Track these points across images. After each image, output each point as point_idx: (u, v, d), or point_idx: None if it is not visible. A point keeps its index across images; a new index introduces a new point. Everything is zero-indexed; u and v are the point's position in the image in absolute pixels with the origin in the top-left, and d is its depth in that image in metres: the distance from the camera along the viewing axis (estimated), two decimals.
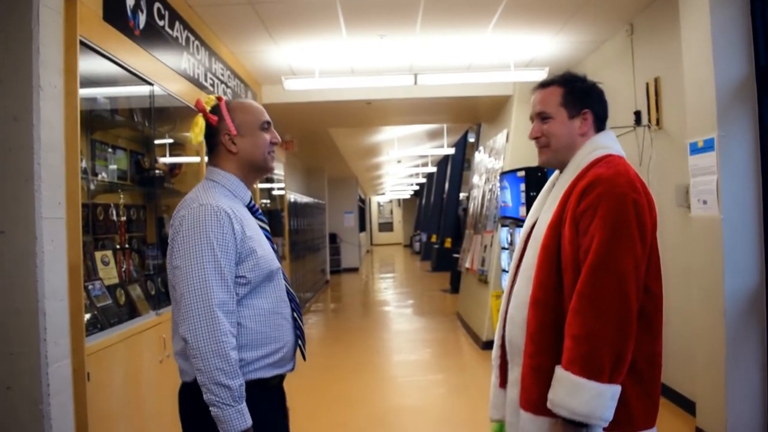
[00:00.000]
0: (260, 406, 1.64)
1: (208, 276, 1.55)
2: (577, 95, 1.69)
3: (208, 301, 1.54)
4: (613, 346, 1.45)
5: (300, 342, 1.80)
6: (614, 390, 1.46)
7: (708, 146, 3.36)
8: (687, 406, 3.97)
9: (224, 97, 1.79)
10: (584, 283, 1.49)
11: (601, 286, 1.47)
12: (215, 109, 1.74)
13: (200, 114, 1.73)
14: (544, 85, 1.74)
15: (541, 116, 1.71)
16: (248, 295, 1.66)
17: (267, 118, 1.79)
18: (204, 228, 1.58)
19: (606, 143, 1.66)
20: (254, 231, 1.70)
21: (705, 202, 3.40)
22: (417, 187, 25.53)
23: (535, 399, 1.56)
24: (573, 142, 1.68)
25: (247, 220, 1.69)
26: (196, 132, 1.71)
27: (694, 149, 3.49)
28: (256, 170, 1.78)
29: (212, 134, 1.74)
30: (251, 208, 1.78)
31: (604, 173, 1.55)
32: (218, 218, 1.60)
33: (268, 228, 1.83)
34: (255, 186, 6.09)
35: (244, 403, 1.56)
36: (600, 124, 1.72)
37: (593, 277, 1.48)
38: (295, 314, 1.79)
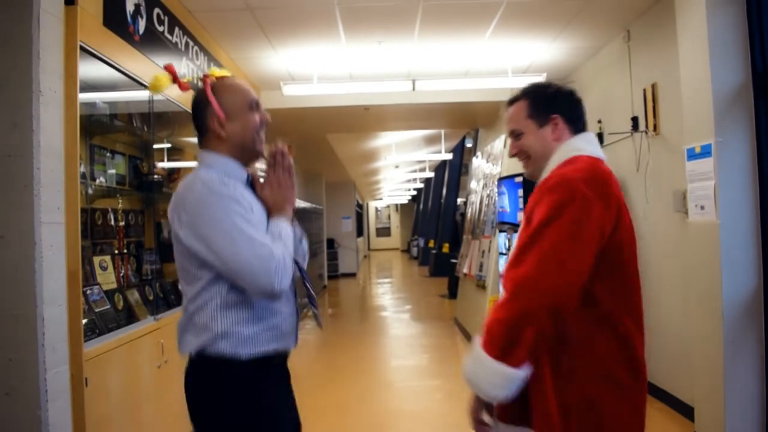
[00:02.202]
0: (266, 384, 1.63)
1: (239, 223, 1.53)
2: (541, 104, 1.68)
3: (240, 234, 1.51)
4: (510, 326, 1.42)
5: (313, 310, 1.78)
6: (503, 370, 1.42)
7: (705, 152, 3.37)
8: (685, 411, 3.97)
9: (209, 77, 1.72)
10: (511, 260, 1.50)
11: (521, 266, 1.45)
12: (201, 93, 1.69)
13: (168, 76, 1.73)
14: (511, 102, 1.74)
15: (513, 134, 1.72)
16: None
17: (255, 96, 1.73)
18: (218, 194, 1.55)
19: (579, 146, 1.64)
20: (255, 204, 1.66)
21: (702, 208, 3.41)
22: (415, 193, 25.55)
23: (505, 406, 1.55)
24: (549, 149, 1.66)
25: (248, 195, 1.66)
26: (156, 86, 1.73)
27: (692, 155, 3.51)
28: (248, 153, 1.72)
29: (200, 118, 1.69)
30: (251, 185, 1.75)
31: (565, 172, 1.53)
32: (227, 185, 1.58)
33: None
34: None
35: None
36: (576, 126, 1.69)
37: (519, 255, 1.47)
38: (303, 284, 1.76)
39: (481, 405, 1.61)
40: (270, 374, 1.65)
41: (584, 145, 1.64)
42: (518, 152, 1.72)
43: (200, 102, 1.70)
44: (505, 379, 1.43)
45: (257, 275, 1.50)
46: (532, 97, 1.69)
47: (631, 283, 1.56)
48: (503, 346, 1.42)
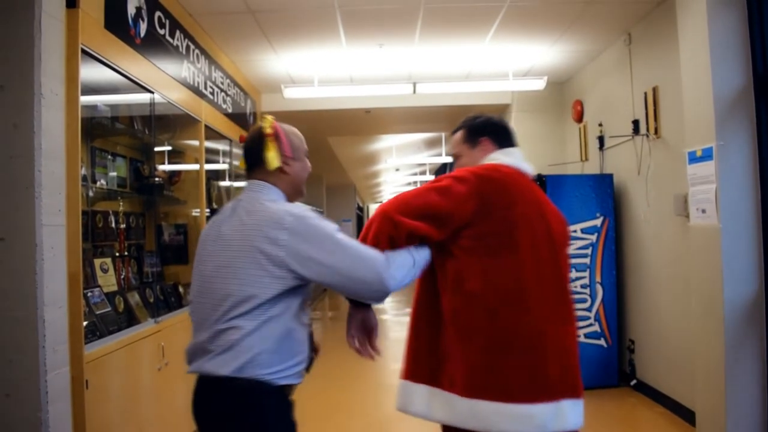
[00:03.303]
0: (288, 411, 1.70)
1: (344, 238, 1.65)
2: (473, 130, 2.02)
3: (351, 244, 1.64)
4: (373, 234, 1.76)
5: (312, 356, 1.83)
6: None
7: (706, 155, 3.37)
8: (687, 415, 3.96)
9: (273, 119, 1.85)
10: None
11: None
12: (273, 130, 1.80)
13: (269, 137, 1.77)
14: (453, 132, 2.08)
15: (455, 156, 2.07)
16: (300, 303, 1.71)
17: (306, 146, 1.90)
18: (316, 218, 1.67)
19: (496, 156, 1.94)
20: None
21: (704, 211, 3.41)
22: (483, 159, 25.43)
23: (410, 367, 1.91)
24: (477, 163, 1.95)
25: None
26: (272, 156, 1.75)
27: (693, 158, 3.50)
28: (297, 193, 1.85)
29: (258, 151, 1.77)
30: None
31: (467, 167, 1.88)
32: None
33: None
34: None
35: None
36: (502, 144, 1.99)
37: None
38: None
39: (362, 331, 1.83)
40: (288, 405, 1.72)
41: (501, 156, 1.94)
42: (458, 170, 1.94)
43: (263, 137, 1.78)
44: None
45: (377, 278, 1.63)
46: (467, 127, 2.04)
47: (512, 267, 1.74)
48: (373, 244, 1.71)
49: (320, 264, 1.60)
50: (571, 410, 1.77)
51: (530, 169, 1.96)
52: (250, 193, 1.76)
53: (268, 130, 1.78)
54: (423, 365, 1.86)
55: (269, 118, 1.81)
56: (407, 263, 1.70)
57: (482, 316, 1.72)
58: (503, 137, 2.01)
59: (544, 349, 1.72)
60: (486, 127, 2.02)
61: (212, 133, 4.65)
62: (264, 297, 1.60)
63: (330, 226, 1.66)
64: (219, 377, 1.60)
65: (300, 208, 1.67)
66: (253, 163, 1.79)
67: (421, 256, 1.76)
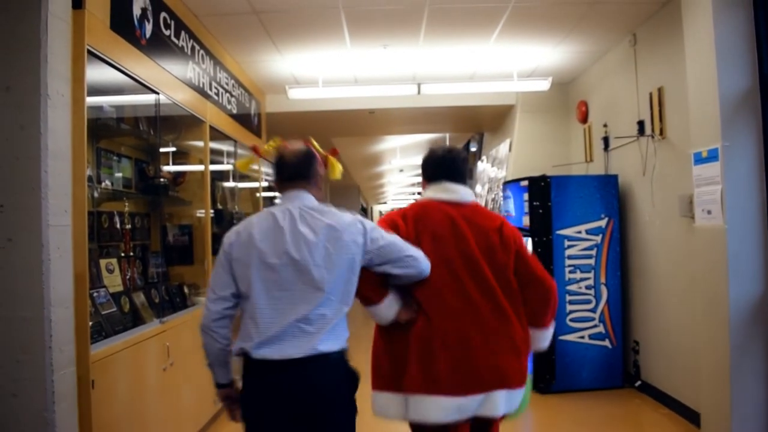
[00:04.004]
0: None
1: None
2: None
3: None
4: None
5: None
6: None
7: (712, 156, 3.36)
8: (692, 416, 3.95)
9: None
10: None
11: None
12: (312, 151, 2.18)
13: (333, 156, 2.27)
14: None
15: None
16: None
17: None
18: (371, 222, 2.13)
19: (424, 194, 2.43)
20: None
21: (709, 212, 3.40)
22: (419, 196, 25.50)
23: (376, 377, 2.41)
24: None
25: None
26: (338, 170, 2.28)
27: (698, 159, 3.49)
28: (320, 199, 2.17)
29: (309, 168, 2.13)
30: None
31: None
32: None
33: None
34: (259, 194, 6.12)
35: None
36: (430, 180, 2.44)
37: None
38: None
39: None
40: None
41: (426, 193, 2.42)
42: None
43: (312, 156, 2.16)
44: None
45: (425, 263, 2.14)
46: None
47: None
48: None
49: (390, 255, 2.09)
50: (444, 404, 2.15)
51: (456, 194, 2.36)
52: (303, 199, 2.08)
53: (323, 152, 2.19)
54: None
55: (316, 144, 2.17)
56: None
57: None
58: (429, 173, 2.46)
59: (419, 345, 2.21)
60: (422, 170, 2.49)
61: (217, 134, 4.66)
62: (351, 294, 2.09)
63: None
64: (321, 355, 1.96)
65: (364, 219, 2.16)
66: (296, 176, 2.10)
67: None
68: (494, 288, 2.20)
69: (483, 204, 7.78)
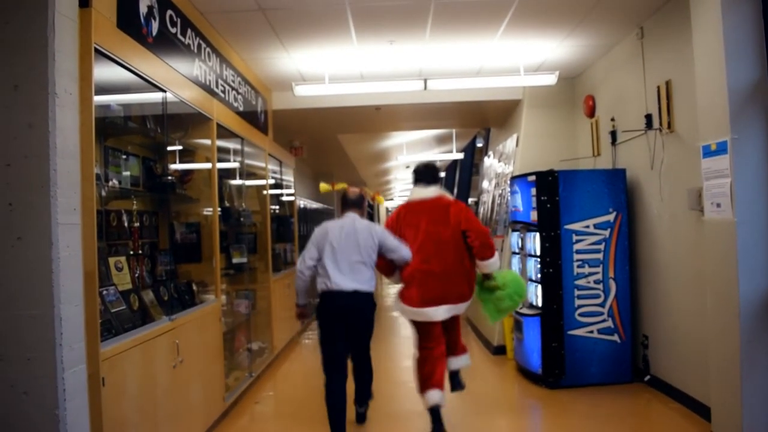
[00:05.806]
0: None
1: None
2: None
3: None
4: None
5: None
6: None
7: (721, 149, 3.34)
8: (702, 411, 3.93)
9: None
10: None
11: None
12: (363, 194, 4.18)
13: (379, 198, 3.78)
14: None
15: None
16: None
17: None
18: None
19: (410, 195, 4.14)
20: None
21: (719, 205, 3.38)
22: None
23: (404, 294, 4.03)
24: None
25: None
26: (381, 202, 3.68)
27: (707, 152, 3.47)
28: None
29: (363, 203, 4.10)
30: None
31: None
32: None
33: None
34: (266, 192, 6.13)
35: None
36: (416, 184, 4.16)
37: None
38: None
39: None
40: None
41: (411, 193, 4.11)
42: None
43: (363, 197, 4.08)
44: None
45: (407, 253, 3.88)
46: None
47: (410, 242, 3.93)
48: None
49: (387, 246, 3.83)
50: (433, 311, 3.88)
51: (426, 193, 4.04)
52: (355, 217, 3.87)
53: (372, 193, 3.30)
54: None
55: (368, 191, 2.93)
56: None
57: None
58: (415, 179, 4.16)
59: (413, 281, 3.89)
60: (414, 176, 4.19)
61: (224, 132, 4.66)
62: (374, 259, 3.80)
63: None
64: (364, 292, 3.71)
65: (375, 225, 4.03)
66: (354, 206, 3.92)
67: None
68: (449, 244, 3.85)
69: (491, 200, 7.78)
